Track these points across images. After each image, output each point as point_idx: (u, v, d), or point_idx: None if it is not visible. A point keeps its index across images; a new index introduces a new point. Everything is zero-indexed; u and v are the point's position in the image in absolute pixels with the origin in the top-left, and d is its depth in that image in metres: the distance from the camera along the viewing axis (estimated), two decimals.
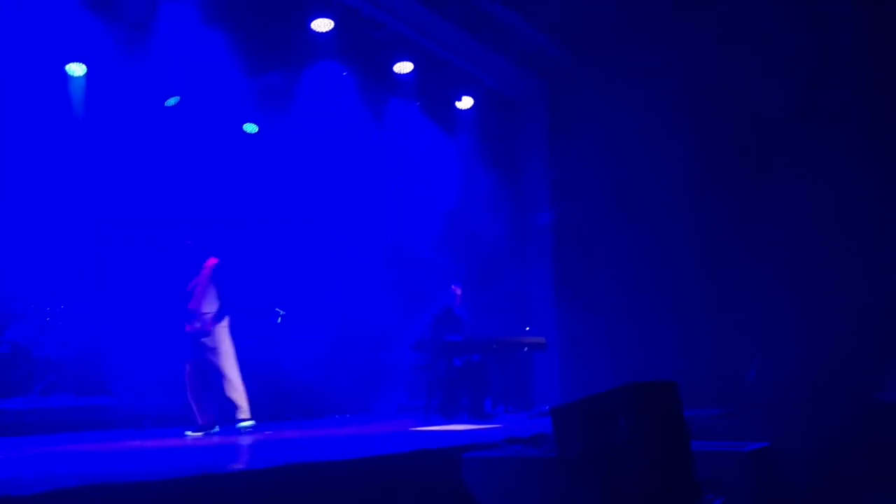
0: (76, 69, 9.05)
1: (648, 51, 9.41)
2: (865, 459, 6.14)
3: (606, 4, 9.06)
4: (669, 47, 9.26)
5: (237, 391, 6.91)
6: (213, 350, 6.88)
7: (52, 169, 8.82)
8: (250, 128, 10.77)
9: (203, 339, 6.90)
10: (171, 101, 9.72)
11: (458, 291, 8.91)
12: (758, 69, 8.78)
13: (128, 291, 9.14)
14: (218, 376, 6.87)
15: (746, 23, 8.85)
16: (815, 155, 8.56)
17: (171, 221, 9.65)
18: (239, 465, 3.48)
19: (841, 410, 6.68)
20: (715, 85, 9.22)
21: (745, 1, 8.89)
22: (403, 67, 10.28)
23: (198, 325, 6.91)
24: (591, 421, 3.49)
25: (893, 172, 8.32)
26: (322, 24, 9.37)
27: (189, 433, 6.78)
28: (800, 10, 8.52)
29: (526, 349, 8.90)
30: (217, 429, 6.87)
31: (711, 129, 9.40)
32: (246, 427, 6.83)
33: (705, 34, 9.02)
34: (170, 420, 7.99)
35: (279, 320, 9.95)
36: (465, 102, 11.17)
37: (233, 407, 6.88)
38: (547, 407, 4.26)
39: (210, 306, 7.00)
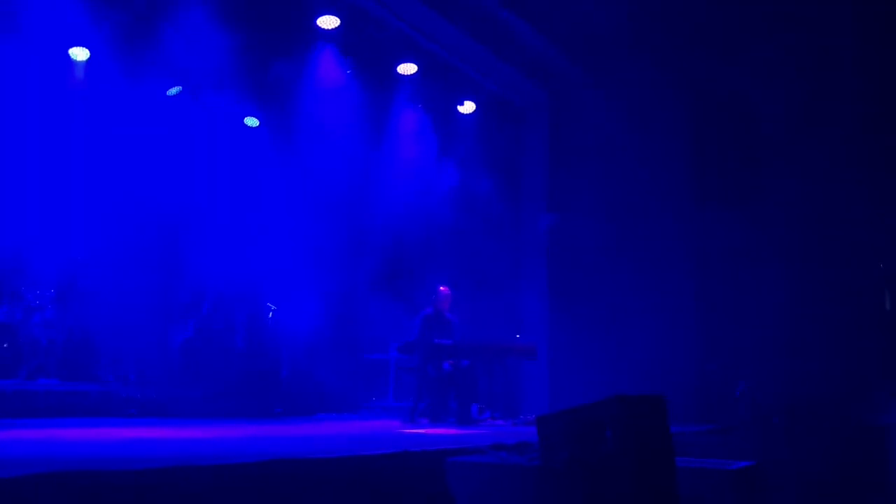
0: (79, 54, 9.03)
1: (648, 63, 9.44)
2: (851, 482, 6.13)
3: (609, 17, 9.08)
4: (669, 60, 9.29)
5: None
6: None
7: (49, 153, 8.80)
8: (251, 122, 10.76)
9: None
10: (173, 91, 9.71)
11: (446, 292, 8.86)
12: (755, 83, 8.81)
13: (120, 279, 9.11)
14: None
15: (744, 36, 8.88)
16: (807, 171, 8.60)
17: (167, 211, 9.63)
18: (221, 459, 3.45)
19: (828, 432, 6.67)
20: (712, 101, 9.25)
21: (743, 14, 8.92)
22: (407, 69, 10.26)
23: None
24: (577, 431, 3.47)
25: (887, 190, 8.35)
26: (328, 21, 9.36)
27: None
28: (798, 22, 8.55)
29: (515, 356, 8.88)
30: None
31: (707, 147, 9.43)
32: None
33: (704, 48, 9.06)
34: (157, 409, 7.95)
35: (270, 315, 9.93)
36: (468, 107, 11.16)
37: None
38: (533, 415, 4.26)
39: None
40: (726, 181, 9.21)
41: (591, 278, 10.09)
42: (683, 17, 9.05)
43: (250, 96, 10.05)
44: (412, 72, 10.29)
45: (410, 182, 11.08)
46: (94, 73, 9.07)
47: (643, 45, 9.39)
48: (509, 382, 9.11)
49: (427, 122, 11.13)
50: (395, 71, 10.29)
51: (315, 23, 9.38)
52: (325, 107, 10.17)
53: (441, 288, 8.88)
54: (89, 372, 8.38)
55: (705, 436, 6.82)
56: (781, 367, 8.41)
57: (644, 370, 8.95)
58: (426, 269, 10.53)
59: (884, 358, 8.21)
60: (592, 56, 10.20)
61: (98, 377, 8.41)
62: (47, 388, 7.60)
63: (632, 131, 9.65)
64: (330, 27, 9.45)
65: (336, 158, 10.54)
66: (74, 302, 8.56)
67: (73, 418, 7.22)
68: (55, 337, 8.27)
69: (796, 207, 8.65)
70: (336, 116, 10.31)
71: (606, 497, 3.33)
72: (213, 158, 10.21)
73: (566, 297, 10.41)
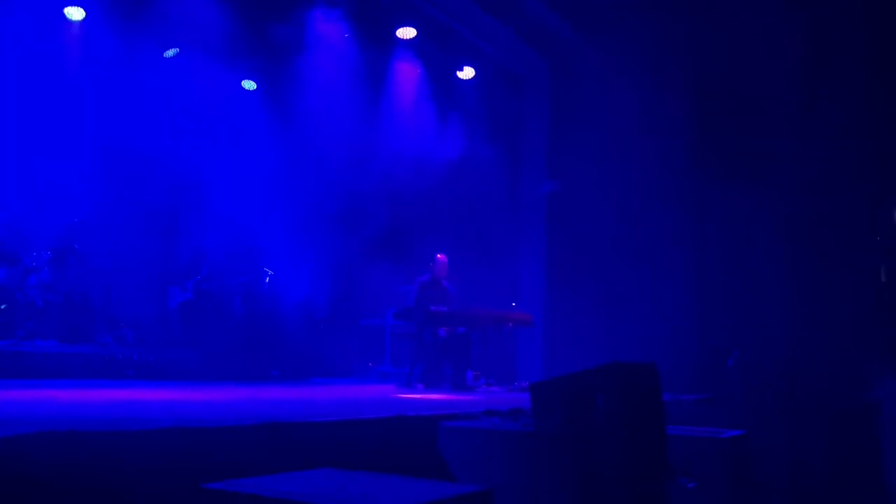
0: (74, 13, 8.94)
1: (649, 35, 9.36)
2: (841, 456, 6.19)
3: None
4: (670, 32, 9.21)
5: None
6: None
7: (46, 114, 8.74)
8: (248, 85, 10.67)
9: None
10: (170, 53, 9.63)
11: (444, 259, 8.87)
12: (757, 57, 8.73)
13: (118, 240, 9.11)
14: None
15: (748, 5, 8.78)
16: (808, 143, 8.56)
17: (165, 172, 9.60)
18: (218, 422, 3.47)
19: (820, 405, 6.72)
20: (715, 71, 9.18)
21: None
22: (407, 33, 10.16)
23: None
24: (570, 398, 3.49)
25: (887, 164, 8.33)
26: None
27: None
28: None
29: (511, 324, 8.92)
30: None
31: (708, 117, 9.38)
32: None
33: (707, 20, 8.97)
34: (154, 371, 7.99)
35: (267, 280, 9.95)
36: (467, 73, 11.07)
37: None
38: (528, 382, 4.29)
39: None
40: (727, 152, 9.17)
41: (590, 248, 10.08)
42: None
43: (248, 59, 9.96)
44: (412, 36, 10.19)
45: (409, 148, 11.03)
46: (90, 34, 8.97)
47: (645, 14, 9.30)
48: (505, 350, 9.15)
49: (426, 88, 11.04)
50: (395, 34, 10.18)
51: None
52: (323, 71, 10.09)
53: (438, 255, 8.89)
54: (86, 333, 8.41)
55: (697, 405, 6.87)
56: (776, 338, 8.44)
57: (639, 340, 8.98)
58: (424, 236, 10.53)
59: (879, 331, 8.25)
60: (593, 23, 10.08)
61: (95, 339, 8.44)
62: (44, 350, 7.63)
63: (633, 101, 9.57)
64: None
65: (334, 123, 10.48)
66: (71, 264, 8.56)
67: (70, 379, 7.25)
68: (52, 299, 8.28)
69: (795, 180, 8.62)
70: (334, 81, 10.23)
71: (598, 463, 3.36)
72: (210, 121, 10.15)
73: (564, 266, 10.41)
